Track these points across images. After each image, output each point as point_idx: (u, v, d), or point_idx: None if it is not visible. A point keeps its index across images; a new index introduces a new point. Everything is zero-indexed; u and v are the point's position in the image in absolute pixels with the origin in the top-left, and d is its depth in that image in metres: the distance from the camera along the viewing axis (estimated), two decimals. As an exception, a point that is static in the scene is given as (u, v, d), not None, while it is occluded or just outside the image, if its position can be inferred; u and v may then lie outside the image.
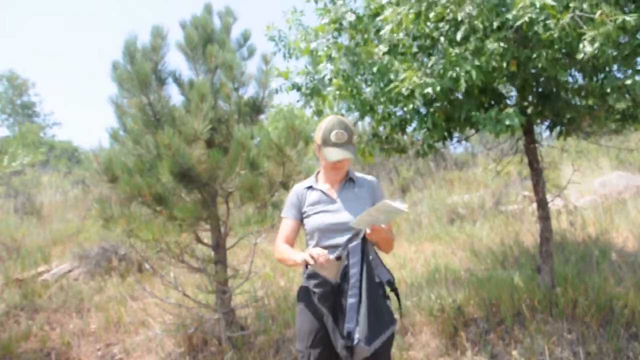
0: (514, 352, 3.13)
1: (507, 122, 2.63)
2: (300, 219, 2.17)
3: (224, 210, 3.49)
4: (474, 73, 2.57)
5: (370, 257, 1.99)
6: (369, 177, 2.25)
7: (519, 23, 2.45)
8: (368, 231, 1.93)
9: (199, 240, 3.65)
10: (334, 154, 2.03)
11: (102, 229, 3.24)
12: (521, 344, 3.25)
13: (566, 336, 3.28)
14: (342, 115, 3.76)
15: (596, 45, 2.27)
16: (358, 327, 1.87)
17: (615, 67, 2.88)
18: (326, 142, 2.06)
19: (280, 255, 2.10)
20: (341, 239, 2.03)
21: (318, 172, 2.25)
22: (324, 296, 1.98)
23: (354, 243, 1.96)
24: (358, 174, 2.24)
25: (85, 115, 55.54)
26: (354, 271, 1.93)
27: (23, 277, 5.61)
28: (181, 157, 2.97)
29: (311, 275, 2.01)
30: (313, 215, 2.11)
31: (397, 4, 2.92)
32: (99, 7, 65.03)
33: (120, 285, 5.28)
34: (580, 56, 2.40)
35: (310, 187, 2.19)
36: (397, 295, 2.09)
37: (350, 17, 3.30)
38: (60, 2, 61.86)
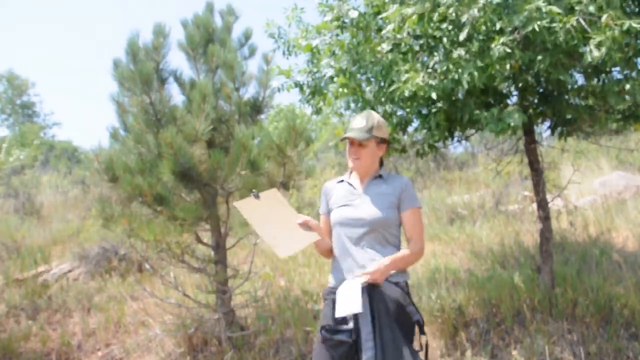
0: (514, 352, 3.13)
1: (509, 121, 2.62)
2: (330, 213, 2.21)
3: (225, 210, 3.49)
4: (476, 75, 2.56)
5: (403, 302, 2.00)
6: (402, 176, 2.22)
7: (527, 30, 2.41)
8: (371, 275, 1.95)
9: (199, 240, 3.65)
10: (346, 133, 2.12)
11: (102, 229, 3.25)
12: (521, 344, 3.25)
13: (566, 336, 3.28)
14: (343, 115, 3.76)
15: (603, 50, 2.25)
16: None
17: (617, 68, 2.87)
18: (348, 130, 2.16)
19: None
20: (358, 232, 2.06)
21: (352, 171, 2.25)
22: (343, 358, 1.94)
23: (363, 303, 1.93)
24: (392, 174, 2.22)
25: (85, 115, 55.64)
26: (366, 329, 1.91)
27: (23, 277, 5.60)
28: (182, 156, 2.97)
29: (326, 339, 1.97)
30: (336, 209, 2.15)
31: (400, 3, 2.91)
32: (99, 6, 65.07)
33: (120, 285, 5.27)
34: (587, 61, 2.38)
35: (341, 181, 2.23)
36: (426, 344, 2.05)
37: (353, 14, 3.28)
38: (60, 2, 61.90)
